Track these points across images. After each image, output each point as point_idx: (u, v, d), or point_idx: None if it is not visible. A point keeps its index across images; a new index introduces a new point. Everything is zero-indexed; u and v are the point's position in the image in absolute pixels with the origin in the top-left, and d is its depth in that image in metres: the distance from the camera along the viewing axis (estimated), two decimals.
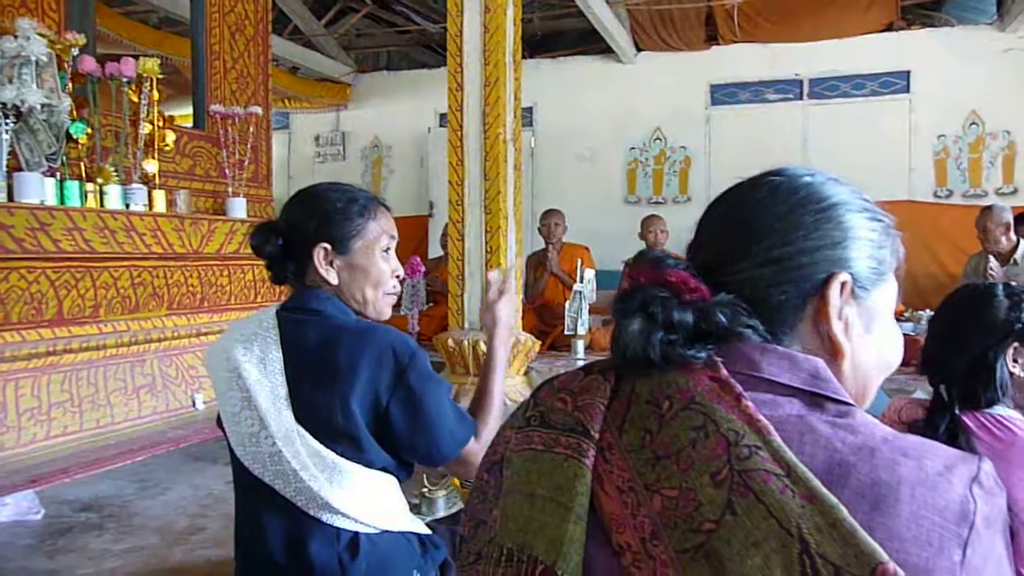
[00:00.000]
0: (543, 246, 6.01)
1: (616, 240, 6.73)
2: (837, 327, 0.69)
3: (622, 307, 0.68)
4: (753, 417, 0.61)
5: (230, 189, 4.07)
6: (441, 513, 2.65)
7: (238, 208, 4.03)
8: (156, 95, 3.53)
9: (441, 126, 8.14)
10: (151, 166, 3.52)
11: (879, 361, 0.73)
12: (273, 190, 4.83)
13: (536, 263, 5.93)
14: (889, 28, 7.13)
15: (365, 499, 1.40)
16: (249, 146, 4.13)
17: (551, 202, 6.56)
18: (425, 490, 2.69)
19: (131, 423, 3.30)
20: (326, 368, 1.38)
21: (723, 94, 7.63)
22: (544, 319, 5.72)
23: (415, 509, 2.59)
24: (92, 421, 3.17)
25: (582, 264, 5.21)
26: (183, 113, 6.06)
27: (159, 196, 3.53)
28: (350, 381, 1.36)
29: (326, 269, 1.47)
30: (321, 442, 1.38)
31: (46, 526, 2.60)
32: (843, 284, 0.69)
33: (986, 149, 6.93)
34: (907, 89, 7.10)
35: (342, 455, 1.38)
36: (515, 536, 0.67)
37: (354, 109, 8.91)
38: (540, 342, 4.87)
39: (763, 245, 0.70)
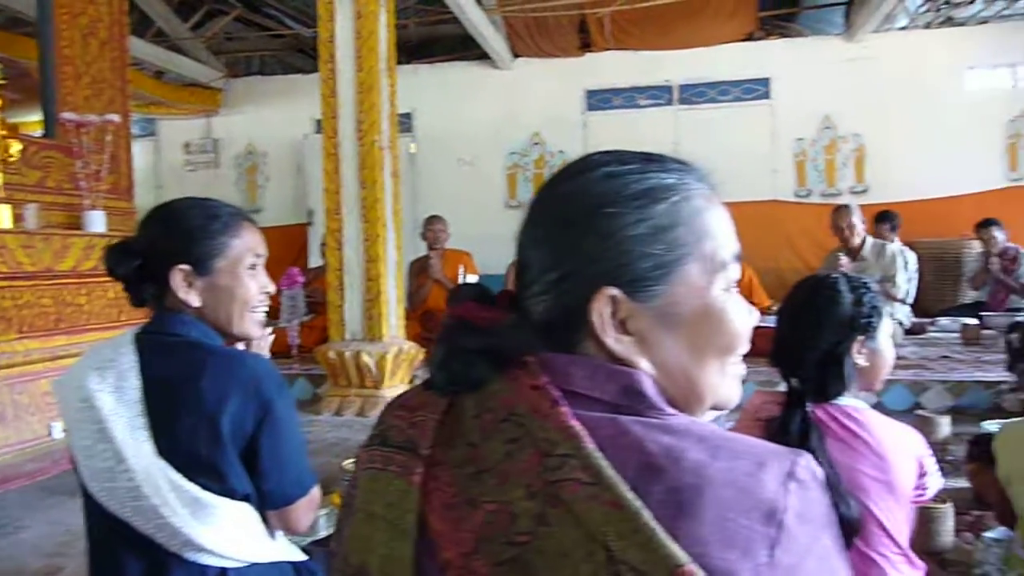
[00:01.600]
0: (426, 253, 5.97)
1: (499, 245, 6.70)
2: (614, 344, 0.66)
3: (436, 341, 0.71)
4: (566, 424, 0.60)
5: (87, 202, 3.82)
6: (323, 533, 2.58)
7: (96, 222, 3.79)
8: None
9: (318, 132, 7.94)
10: None
11: (703, 351, 0.68)
12: (138, 200, 4.59)
13: (419, 270, 5.89)
14: (750, 37, 7.53)
15: (230, 533, 1.33)
16: (107, 156, 3.89)
17: (433, 208, 6.55)
18: None
19: None
20: (190, 397, 1.30)
21: (598, 100, 7.83)
22: (428, 327, 5.68)
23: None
24: None
25: (465, 270, 5.22)
26: (34, 120, 5.66)
27: (4, 211, 3.28)
28: (216, 410, 1.29)
29: (186, 291, 1.38)
30: (184, 475, 1.30)
31: None
32: (611, 298, 0.65)
33: (839, 151, 7.43)
34: (768, 95, 7.52)
35: (207, 488, 1.31)
36: (358, 555, 0.67)
37: (226, 115, 8.59)
38: (424, 351, 4.83)
39: (537, 270, 0.69)
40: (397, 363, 4.45)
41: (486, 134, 7.91)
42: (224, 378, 1.32)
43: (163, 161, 8.80)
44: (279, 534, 1.45)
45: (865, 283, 1.58)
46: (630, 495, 0.56)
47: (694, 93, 7.65)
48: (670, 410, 0.65)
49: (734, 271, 0.70)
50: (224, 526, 1.33)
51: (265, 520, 1.41)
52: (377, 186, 4.38)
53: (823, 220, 6.59)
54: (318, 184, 6.73)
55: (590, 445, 0.59)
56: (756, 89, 7.53)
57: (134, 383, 1.32)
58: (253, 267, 1.46)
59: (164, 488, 1.29)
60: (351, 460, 2.60)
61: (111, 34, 4.24)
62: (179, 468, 1.31)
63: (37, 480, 3.06)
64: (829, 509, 0.60)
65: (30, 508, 2.94)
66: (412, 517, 0.64)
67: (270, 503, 1.38)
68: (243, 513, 1.36)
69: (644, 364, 0.66)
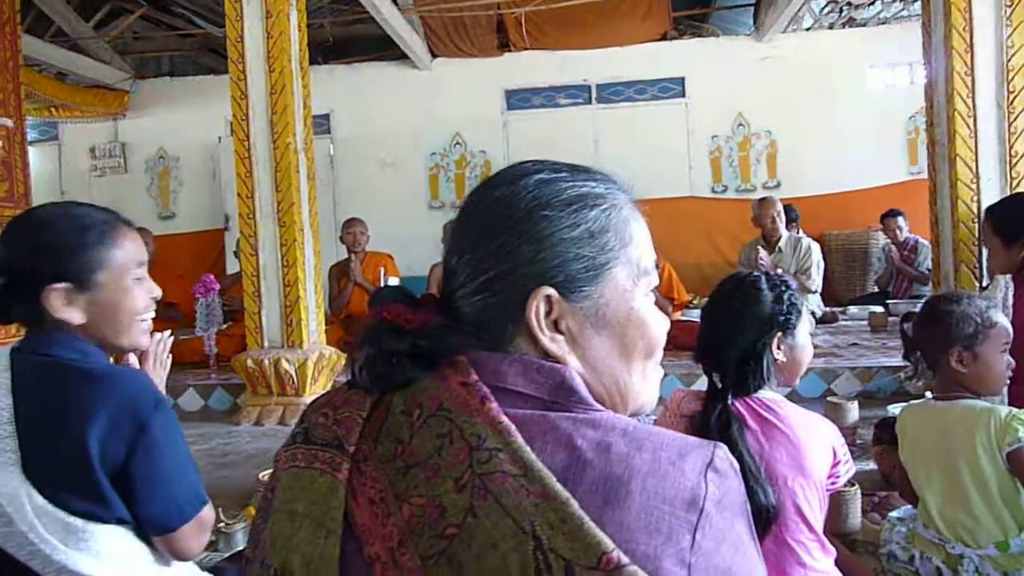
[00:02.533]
0: (346, 256, 5.87)
1: (422, 245, 6.74)
2: (548, 343, 0.68)
3: (359, 342, 0.71)
4: (495, 419, 0.62)
5: None
6: (240, 546, 2.51)
7: None
8: None
9: (232, 135, 7.74)
10: None
11: (630, 353, 0.72)
12: None
13: (340, 273, 5.79)
14: (664, 37, 7.68)
15: (111, 560, 1.26)
16: (1, 162, 3.69)
17: (354, 210, 6.44)
18: (222, 525, 2.52)
19: None
20: (58, 419, 1.24)
21: (518, 99, 7.86)
22: (350, 331, 5.59)
23: (211, 546, 2.42)
24: None
25: (386, 272, 5.16)
26: None
27: None
28: (84, 433, 1.22)
29: (66, 310, 1.30)
30: (55, 500, 1.23)
31: None
32: (547, 297, 0.67)
33: (752, 148, 7.65)
34: (683, 94, 7.69)
35: (79, 512, 1.24)
36: (280, 555, 0.66)
37: (134, 118, 8.26)
38: (347, 355, 4.75)
39: (467, 274, 0.70)
40: (318, 369, 4.36)
41: (406, 135, 7.85)
42: (94, 400, 1.25)
43: (67, 166, 8.41)
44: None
45: (785, 281, 1.64)
46: (558, 486, 0.58)
47: (612, 92, 7.76)
48: (598, 406, 0.67)
49: (654, 278, 0.75)
50: (102, 552, 1.26)
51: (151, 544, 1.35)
52: (292, 189, 4.29)
53: (738, 215, 6.80)
54: (234, 188, 6.56)
55: (519, 439, 0.61)
56: (672, 88, 7.68)
57: (5, 403, 1.25)
58: (139, 277, 1.39)
59: (30, 513, 1.22)
60: (266, 471, 2.54)
61: (2, 33, 4.02)
62: (48, 493, 1.24)
63: None
64: (744, 498, 0.64)
65: None
66: (338, 514, 0.64)
67: (150, 529, 1.31)
68: (122, 538, 1.29)
69: (574, 362, 0.69)
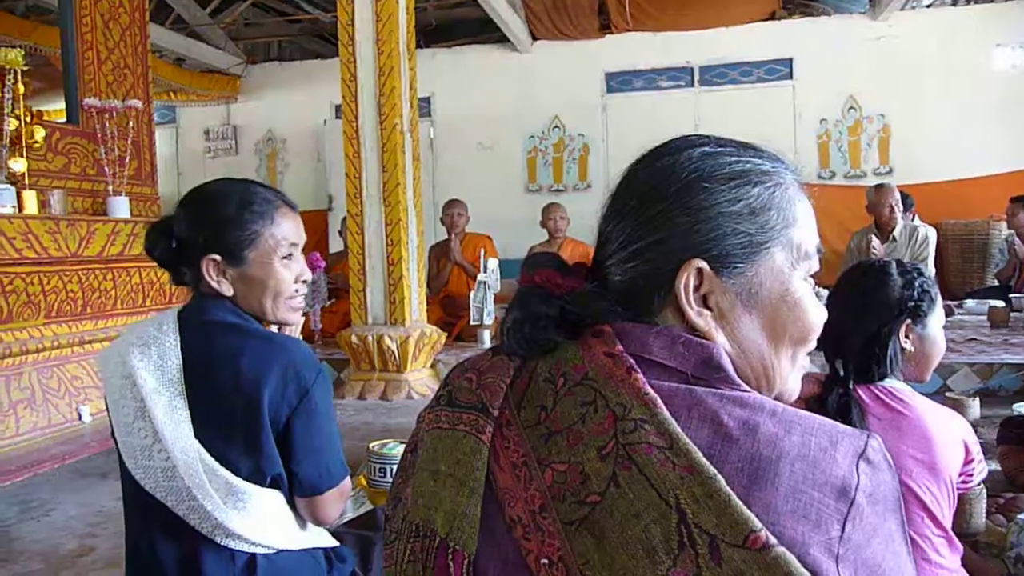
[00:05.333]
0: (445, 237, 5.96)
1: (519, 228, 6.77)
2: (695, 316, 0.67)
3: (508, 307, 0.73)
4: (641, 390, 0.62)
5: (111, 188, 3.84)
6: (350, 515, 2.59)
7: (120, 207, 3.81)
8: (21, 88, 3.29)
9: (337, 118, 7.94)
10: (19, 165, 3.28)
11: (780, 337, 0.70)
12: (160, 187, 4.61)
13: (439, 254, 5.88)
14: (772, 17, 7.42)
15: (260, 521, 1.33)
16: (129, 142, 3.90)
17: (452, 192, 6.53)
18: None
19: (8, 441, 3.08)
20: (229, 378, 1.30)
21: (618, 82, 7.76)
22: (449, 311, 5.68)
23: None
24: None
25: (485, 253, 5.19)
26: (58, 108, 5.69)
27: (30, 197, 3.30)
28: (254, 393, 1.28)
29: (217, 281, 1.36)
30: (218, 458, 1.30)
31: None
32: (698, 271, 0.66)
33: (864, 132, 7.31)
34: (791, 76, 7.41)
35: (239, 473, 1.30)
36: (422, 512, 0.68)
37: (245, 101, 8.60)
38: (446, 334, 4.83)
39: (620, 241, 0.70)
40: (419, 347, 4.45)
41: (505, 118, 7.87)
42: (264, 360, 1.31)
43: (183, 148, 8.84)
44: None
45: (918, 269, 1.57)
46: (705, 461, 0.57)
47: (715, 74, 7.56)
48: (744, 385, 0.66)
49: (815, 263, 0.72)
50: (254, 513, 1.33)
51: (295, 509, 1.41)
52: (398, 170, 4.37)
53: (846, 201, 6.52)
54: (338, 170, 6.75)
55: (664, 411, 0.60)
56: (779, 70, 7.42)
57: (175, 362, 1.32)
58: (288, 256, 1.42)
59: (198, 470, 1.29)
60: (377, 442, 2.61)
61: (132, 19, 4.25)
62: (214, 450, 1.31)
63: (67, 463, 3.09)
64: (898, 493, 0.61)
65: (60, 490, 2.98)
66: (481, 475, 0.66)
67: (299, 490, 1.37)
68: (273, 501, 1.36)
69: (721, 339, 0.68)
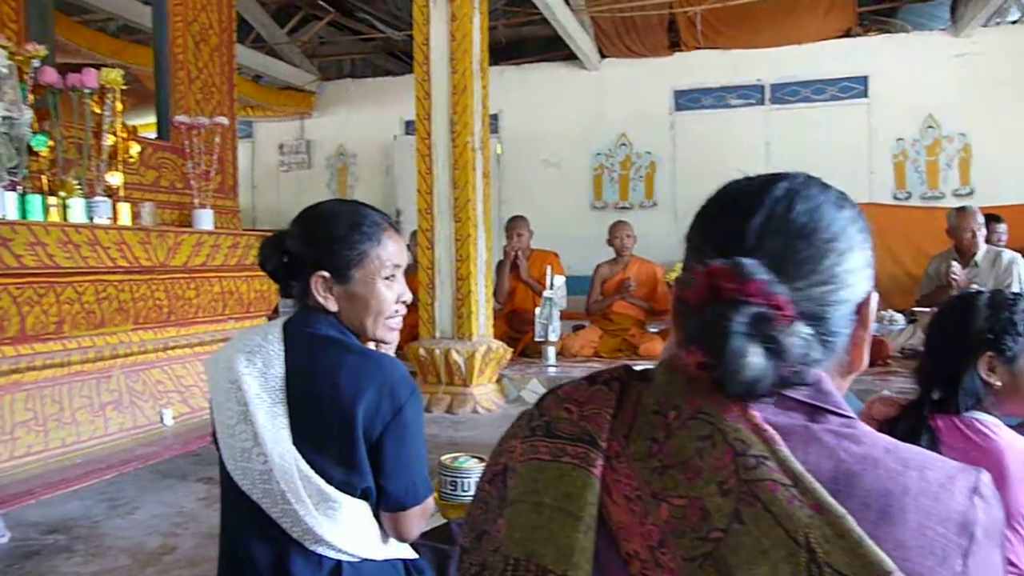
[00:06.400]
0: (512, 252, 6.00)
1: (584, 245, 6.78)
2: (865, 344, 0.70)
3: (718, 320, 0.62)
4: (760, 427, 0.62)
5: (196, 200, 4.01)
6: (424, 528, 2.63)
7: (205, 220, 3.97)
8: (119, 106, 3.47)
9: (407, 134, 8.11)
10: (115, 178, 3.45)
11: (855, 366, 0.73)
12: (239, 201, 4.78)
13: (505, 269, 5.92)
14: (847, 34, 7.29)
15: (348, 529, 1.37)
16: (215, 157, 4.07)
17: (518, 209, 6.58)
18: None
19: (98, 441, 3.23)
20: (328, 391, 1.35)
21: (687, 99, 7.72)
22: (515, 326, 5.72)
23: None
24: (58, 440, 3.10)
25: (551, 270, 5.22)
26: (144, 123, 5.96)
27: (124, 209, 3.47)
28: (350, 408, 1.33)
29: (324, 297, 1.42)
30: (313, 466, 1.35)
31: (12, 549, 2.52)
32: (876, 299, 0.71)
33: (943, 152, 7.11)
34: (866, 94, 7.26)
35: (331, 481, 1.35)
36: (521, 545, 0.66)
37: (319, 117, 8.85)
38: (512, 349, 4.87)
39: (826, 263, 0.68)
40: (486, 361, 4.49)
41: (572, 135, 7.91)
42: (361, 376, 1.36)
43: (259, 162, 9.13)
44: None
45: (1011, 300, 1.53)
46: (832, 500, 0.57)
47: (787, 92, 7.46)
48: (851, 412, 0.67)
49: None
50: (343, 521, 1.37)
51: (380, 522, 1.45)
52: (469, 186, 4.44)
53: (923, 224, 6.34)
54: (407, 185, 6.89)
55: (784, 448, 0.61)
56: (853, 87, 7.28)
57: (278, 371, 1.38)
58: (391, 277, 1.47)
59: (294, 476, 1.34)
60: (448, 456, 2.65)
61: (221, 40, 4.44)
62: (309, 458, 1.36)
63: (149, 464, 3.22)
64: (1003, 526, 0.63)
65: (144, 490, 3.10)
66: (594, 509, 0.65)
67: (385, 505, 1.41)
68: (361, 512, 1.40)
69: (864, 365, 0.71)
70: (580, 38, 7.12)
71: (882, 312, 5.29)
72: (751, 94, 7.56)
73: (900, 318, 5.30)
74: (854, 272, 0.69)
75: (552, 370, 5.07)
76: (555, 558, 0.64)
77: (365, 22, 8.36)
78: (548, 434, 0.71)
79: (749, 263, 0.62)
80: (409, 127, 8.17)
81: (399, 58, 8.81)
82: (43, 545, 2.57)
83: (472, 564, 0.72)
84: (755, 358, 0.61)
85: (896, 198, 7.23)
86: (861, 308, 0.69)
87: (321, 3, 7.91)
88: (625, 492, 0.65)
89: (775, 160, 7.29)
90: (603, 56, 7.80)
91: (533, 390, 4.76)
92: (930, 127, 7.12)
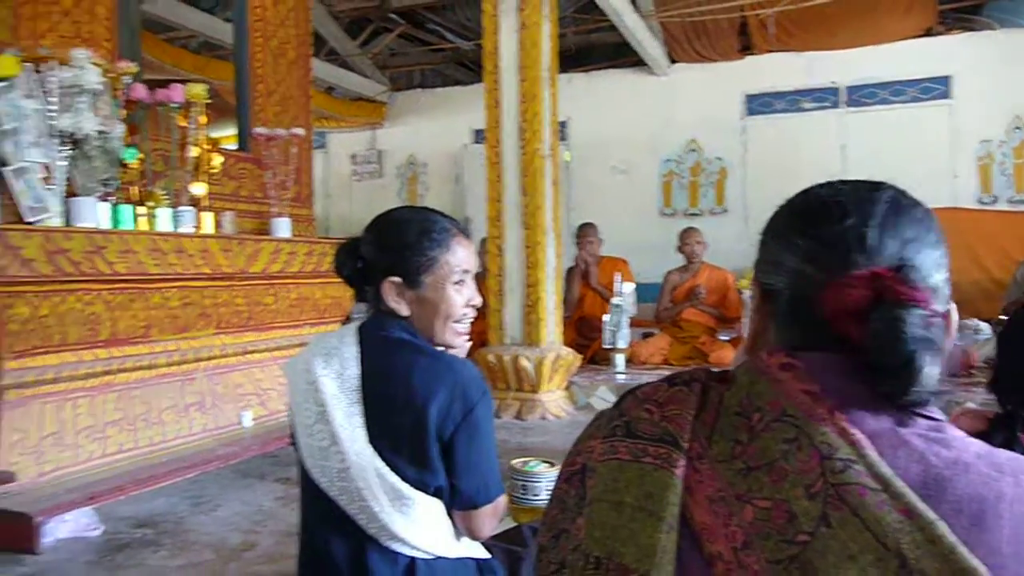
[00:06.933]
0: (581, 260, 6.01)
1: (653, 252, 6.72)
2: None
3: (892, 324, 0.62)
4: (846, 430, 0.62)
5: (274, 209, 4.14)
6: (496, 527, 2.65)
7: (282, 228, 4.10)
8: (203, 119, 3.62)
9: (476, 142, 8.20)
10: (199, 188, 3.60)
11: None
12: (314, 209, 4.91)
13: (574, 277, 5.93)
14: (928, 33, 7.05)
15: (423, 527, 1.41)
16: (292, 167, 4.20)
17: (587, 216, 6.58)
18: None
19: (182, 440, 3.36)
20: (401, 392, 1.39)
21: (758, 104, 7.60)
22: (584, 333, 5.71)
23: None
24: (145, 439, 3.24)
25: (621, 277, 5.20)
26: (223, 135, 6.19)
27: (207, 218, 3.61)
28: (424, 407, 1.37)
29: (396, 302, 1.47)
30: (388, 464, 1.39)
31: (105, 542, 2.65)
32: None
33: None
34: (948, 95, 7.01)
35: (405, 479, 1.39)
36: (602, 544, 0.67)
37: (390, 127, 9.03)
38: (580, 356, 4.86)
39: (936, 272, 0.70)
40: (555, 368, 4.50)
41: (641, 141, 7.87)
42: (433, 377, 1.39)
43: (332, 172, 9.36)
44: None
45: None
46: (923, 505, 0.57)
47: (863, 94, 7.26)
48: (940, 415, 0.66)
49: None
50: (417, 519, 1.40)
51: (452, 520, 1.48)
52: (538, 194, 4.47)
53: (1011, 228, 6.08)
54: (476, 193, 6.96)
55: (873, 453, 0.60)
56: (934, 88, 7.04)
57: (354, 372, 1.43)
58: (460, 282, 1.50)
59: (370, 475, 1.38)
60: (519, 460, 2.67)
61: (298, 54, 4.59)
62: (385, 456, 1.40)
63: (230, 464, 3.33)
64: None
65: (226, 488, 3.21)
66: (676, 509, 0.65)
67: (457, 503, 1.44)
68: (435, 509, 1.43)
69: None
70: (649, 44, 7.08)
71: (966, 321, 5.09)
72: (825, 97, 7.38)
73: (985, 327, 5.09)
74: (948, 280, 0.69)
75: (621, 377, 5.04)
76: (636, 557, 0.64)
77: (435, 33, 8.49)
78: (628, 434, 0.72)
79: (915, 267, 0.64)
80: (478, 136, 8.25)
81: (468, 68, 8.92)
82: (132, 538, 2.69)
83: (551, 562, 0.72)
84: (931, 365, 0.61)
85: (981, 202, 6.95)
86: (946, 315, 0.69)
87: (392, 16, 8.07)
88: (708, 493, 0.65)
89: (851, 164, 7.10)
90: (672, 61, 7.74)
91: (602, 397, 4.75)
92: (1017, 128, 6.82)
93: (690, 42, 7.44)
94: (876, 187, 0.73)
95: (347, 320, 1.66)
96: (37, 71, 2.92)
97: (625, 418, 0.73)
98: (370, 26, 8.47)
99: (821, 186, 0.76)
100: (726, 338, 5.69)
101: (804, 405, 0.64)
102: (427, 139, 8.78)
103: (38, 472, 2.82)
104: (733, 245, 6.55)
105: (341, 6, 7.76)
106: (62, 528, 2.65)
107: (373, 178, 9.11)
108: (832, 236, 0.70)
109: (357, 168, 9.20)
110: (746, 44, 7.49)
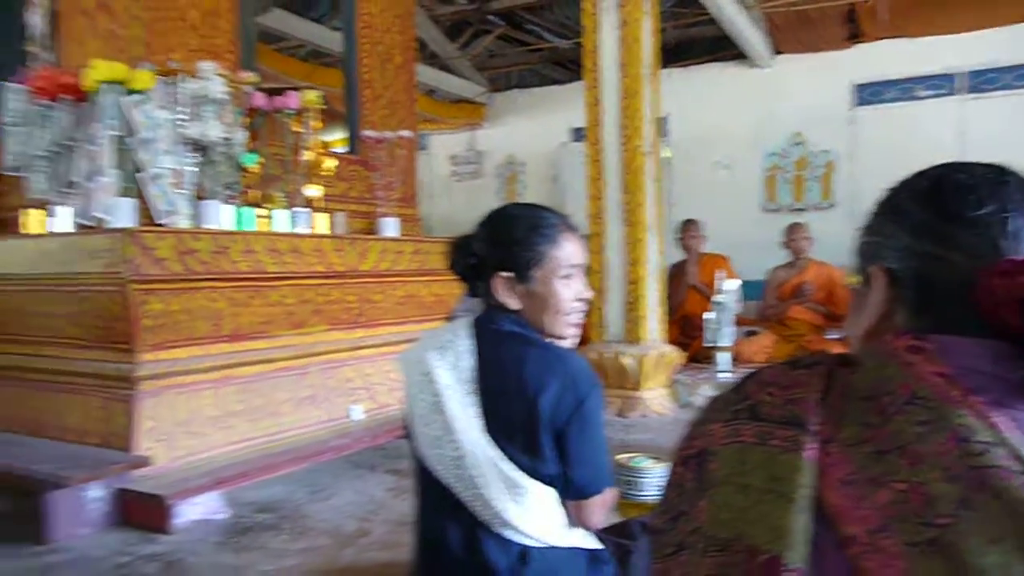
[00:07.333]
0: (681, 257, 5.94)
1: (756, 249, 6.56)
2: None
3: None
4: (984, 413, 0.61)
5: (381, 210, 4.28)
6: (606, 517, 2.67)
7: (390, 227, 4.24)
8: (317, 125, 3.78)
9: (575, 141, 8.21)
10: (313, 190, 3.76)
11: None
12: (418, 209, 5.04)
13: (675, 275, 5.86)
14: None
15: (535, 515, 1.44)
16: (399, 168, 4.33)
17: (688, 212, 6.48)
18: None
19: (297, 431, 3.53)
20: (514, 383, 1.43)
21: (868, 93, 7.29)
22: (686, 331, 5.64)
23: None
24: (264, 429, 3.41)
25: (724, 275, 5.10)
26: (330, 139, 6.43)
27: (321, 218, 3.77)
28: (536, 398, 1.40)
29: (507, 296, 1.51)
30: (503, 452, 1.43)
31: (230, 525, 2.81)
32: None
33: None
34: None
35: (520, 468, 1.43)
36: (728, 526, 0.68)
37: (489, 128, 9.15)
38: (683, 354, 4.80)
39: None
40: (657, 366, 4.47)
41: (743, 136, 7.69)
42: (545, 367, 1.43)
43: (432, 173, 9.55)
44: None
45: None
46: None
47: (984, 80, 6.86)
48: None
49: None
50: (530, 507, 1.44)
51: (565, 510, 1.51)
52: (640, 191, 4.44)
53: None
54: (574, 191, 6.97)
55: (1011, 435, 0.59)
56: None
57: (468, 364, 1.47)
58: (568, 276, 1.52)
59: (484, 463, 1.43)
60: (625, 455, 2.68)
61: (403, 59, 4.73)
62: (499, 445, 1.44)
63: (341, 455, 3.47)
64: None
65: (338, 478, 3.35)
66: (807, 491, 0.65)
67: (569, 493, 1.47)
68: (548, 498, 1.47)
69: None
70: (751, 35, 6.92)
71: None
72: (942, 84, 7.01)
73: None
74: None
75: (724, 376, 4.95)
76: (768, 538, 0.65)
77: (533, 33, 8.55)
78: (753, 417, 0.72)
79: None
80: (576, 134, 8.26)
81: (565, 67, 8.94)
82: (255, 522, 2.85)
83: (667, 545, 0.73)
84: None
85: None
86: None
87: (491, 17, 8.18)
88: (840, 476, 0.65)
89: (972, 154, 6.66)
90: (775, 52, 7.53)
91: (705, 395, 4.68)
92: None
93: (794, 32, 7.20)
94: (1002, 171, 0.72)
95: (451, 318, 1.72)
96: (168, 83, 3.12)
97: (749, 401, 0.74)
98: (469, 29, 8.61)
99: (948, 167, 0.75)
100: (835, 336, 5.50)
101: (937, 388, 0.64)
102: (525, 139, 8.85)
103: (170, 458, 3.03)
104: (840, 241, 6.26)
105: (441, 10, 7.92)
106: (192, 510, 2.83)
107: (473, 178, 9.25)
108: (976, 221, 0.69)
109: (457, 169, 9.37)
110: (854, 31, 7.20)
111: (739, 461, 0.70)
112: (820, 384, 0.70)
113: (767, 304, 5.70)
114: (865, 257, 0.79)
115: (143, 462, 2.91)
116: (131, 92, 3.03)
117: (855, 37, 7.22)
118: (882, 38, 7.07)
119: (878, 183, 0.79)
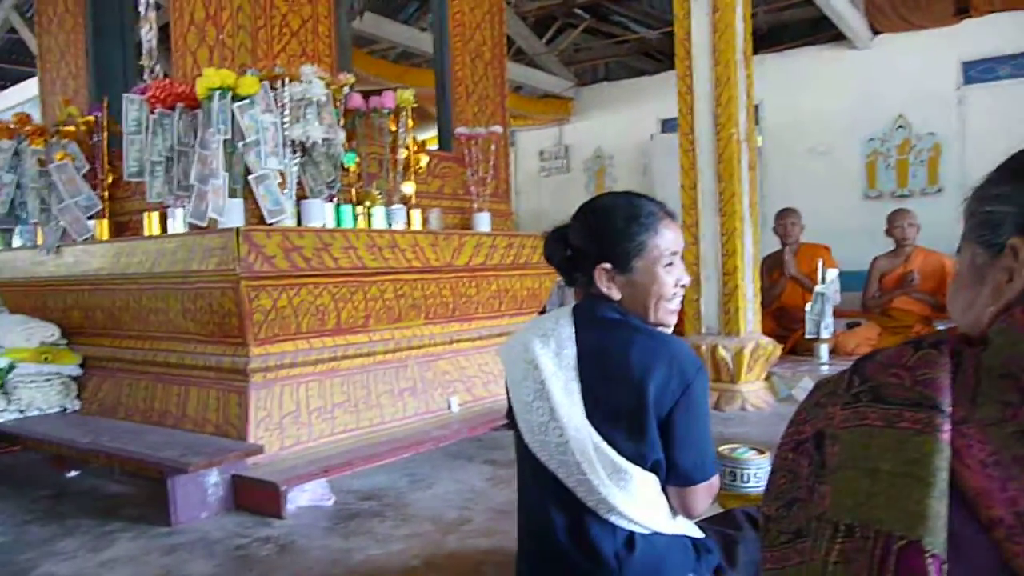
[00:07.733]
0: (777, 247, 5.78)
1: (856, 238, 6.34)
2: None
3: None
4: None
5: (475, 205, 4.34)
6: (707, 513, 2.64)
7: (483, 223, 4.29)
8: (411, 123, 3.87)
9: (664, 132, 8.11)
10: (408, 188, 3.85)
11: None
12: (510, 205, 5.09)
13: (772, 265, 5.71)
14: None
15: (640, 501, 1.44)
16: (491, 164, 4.38)
17: (783, 201, 6.31)
18: None
19: (397, 423, 3.62)
20: (619, 368, 1.44)
21: (978, 71, 6.92)
22: (782, 323, 5.49)
23: None
24: (366, 420, 3.52)
25: (823, 264, 4.95)
26: (421, 137, 6.56)
27: (416, 215, 3.86)
28: (642, 382, 1.41)
29: (608, 287, 1.52)
30: (607, 438, 1.44)
31: (337, 511, 2.92)
32: None
33: None
34: None
35: (623, 453, 1.43)
36: (855, 512, 0.66)
37: (576, 122, 9.13)
38: (781, 347, 4.69)
39: None
40: (754, 358, 4.37)
41: (841, 120, 7.42)
42: (651, 352, 1.43)
43: (521, 169, 9.62)
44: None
45: None
46: None
47: None
48: None
49: None
50: (634, 493, 1.44)
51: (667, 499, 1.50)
52: (734, 180, 4.36)
53: None
54: (664, 183, 6.88)
55: None
56: None
57: (571, 351, 1.49)
58: (670, 264, 1.53)
59: (588, 448, 1.44)
60: (727, 446, 2.64)
61: (493, 55, 4.77)
62: (603, 431, 1.45)
63: (440, 446, 3.55)
64: None
65: (438, 468, 3.43)
66: (946, 474, 0.64)
67: (674, 479, 1.46)
68: (651, 484, 1.47)
69: None
70: (849, 15, 6.67)
71: None
72: None
73: None
74: None
75: (825, 368, 4.81)
76: (905, 524, 0.63)
77: (620, 24, 8.49)
78: (877, 399, 0.70)
79: None
80: (665, 125, 8.15)
81: (653, 57, 8.83)
82: (360, 509, 2.94)
83: (781, 532, 0.72)
84: None
85: None
86: None
87: (577, 11, 8.16)
88: (980, 457, 0.63)
89: None
90: (875, 33, 7.23)
91: (805, 388, 4.54)
92: None
93: (895, 9, 6.91)
94: None
95: (543, 311, 1.73)
96: (272, 88, 3.26)
97: (870, 383, 0.72)
98: (555, 23, 8.61)
99: None
100: (944, 327, 5.25)
101: None
102: (613, 132, 8.80)
103: (280, 446, 3.17)
104: (949, 228, 5.99)
105: (527, 6, 7.96)
106: (302, 497, 2.95)
107: (561, 173, 9.26)
108: None
109: (545, 164, 9.40)
110: (962, 6, 6.84)
111: (865, 445, 0.69)
112: (948, 363, 0.69)
113: (870, 294, 5.49)
114: (992, 228, 0.75)
115: (257, 450, 3.05)
116: (238, 98, 3.18)
117: (963, 12, 6.86)
118: (992, 12, 6.69)
119: (989, 167, 0.76)
